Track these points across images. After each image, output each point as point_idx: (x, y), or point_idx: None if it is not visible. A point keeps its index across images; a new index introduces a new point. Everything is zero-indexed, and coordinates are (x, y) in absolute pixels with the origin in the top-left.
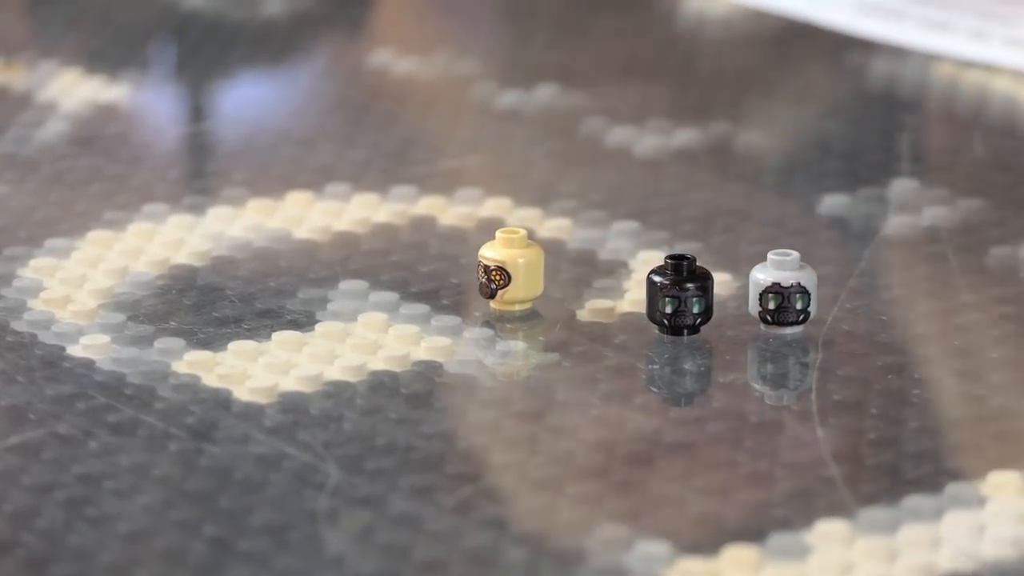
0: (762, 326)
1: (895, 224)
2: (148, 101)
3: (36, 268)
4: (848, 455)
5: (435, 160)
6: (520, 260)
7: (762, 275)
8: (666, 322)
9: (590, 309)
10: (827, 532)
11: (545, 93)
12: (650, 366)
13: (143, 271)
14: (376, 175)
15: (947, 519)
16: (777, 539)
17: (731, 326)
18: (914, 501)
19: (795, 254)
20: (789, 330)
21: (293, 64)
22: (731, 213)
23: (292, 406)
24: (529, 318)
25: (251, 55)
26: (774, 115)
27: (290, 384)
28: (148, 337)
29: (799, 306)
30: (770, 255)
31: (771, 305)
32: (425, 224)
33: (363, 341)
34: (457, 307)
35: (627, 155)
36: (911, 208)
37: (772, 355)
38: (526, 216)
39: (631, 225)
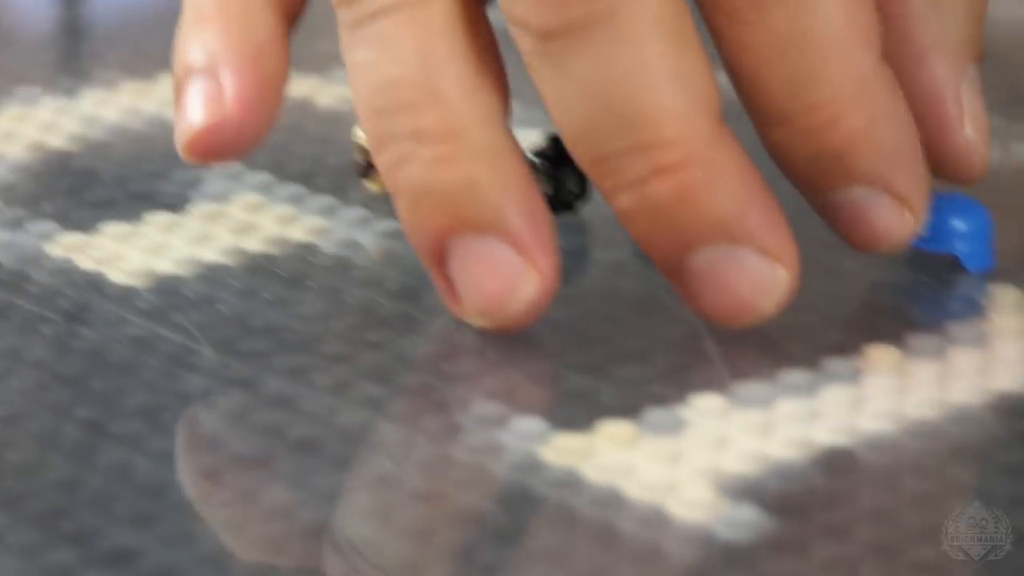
0: None
1: None
2: None
3: None
4: (724, 331)
5: (310, 42)
6: None
7: None
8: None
9: None
10: (703, 407)
11: None
12: None
13: (16, 153)
14: None
15: (823, 393)
16: (652, 414)
17: (604, 203)
18: (791, 376)
19: None
20: None
21: None
22: None
23: (166, 288)
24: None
25: None
26: None
27: (165, 266)
28: (21, 220)
29: None
30: None
31: None
32: (301, 106)
33: (238, 223)
34: (333, 188)
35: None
36: None
37: None
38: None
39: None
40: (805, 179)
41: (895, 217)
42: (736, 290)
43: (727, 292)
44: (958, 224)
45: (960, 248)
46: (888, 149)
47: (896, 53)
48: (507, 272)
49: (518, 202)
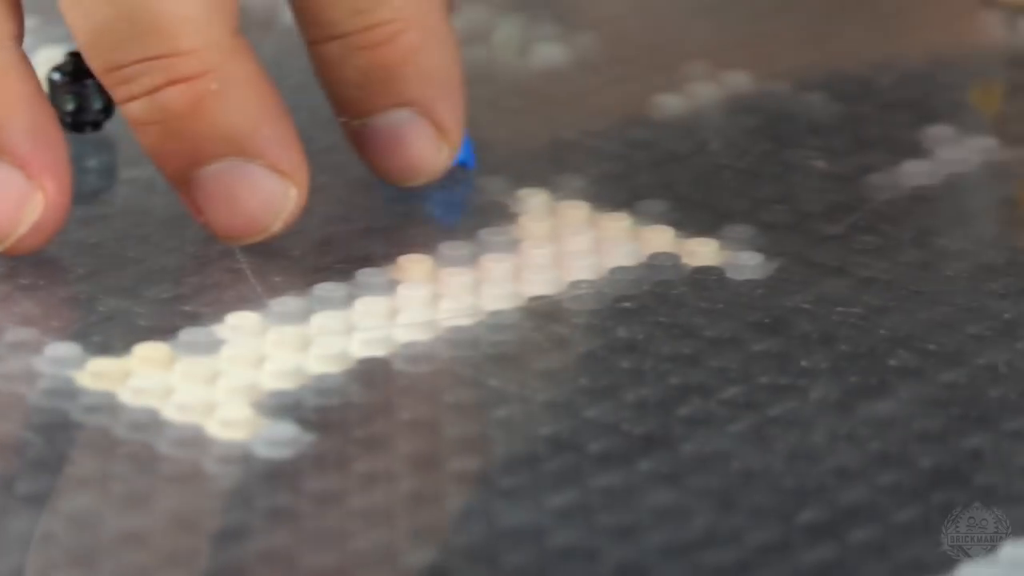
0: None
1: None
2: None
3: None
4: (257, 246)
5: None
6: None
7: None
8: (68, 120)
9: None
10: (238, 324)
11: None
12: None
13: None
14: None
15: (358, 306)
16: (187, 333)
17: None
18: (325, 289)
19: None
20: None
21: None
22: None
23: None
24: None
25: None
26: None
27: None
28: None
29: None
30: None
31: None
32: None
33: None
34: None
35: None
36: None
37: None
38: None
39: (32, 21)
40: (348, 100)
41: (432, 147)
42: (246, 206)
43: (237, 207)
44: None
45: (463, 156)
46: (437, 76)
47: None
48: (12, 194)
49: (22, 122)
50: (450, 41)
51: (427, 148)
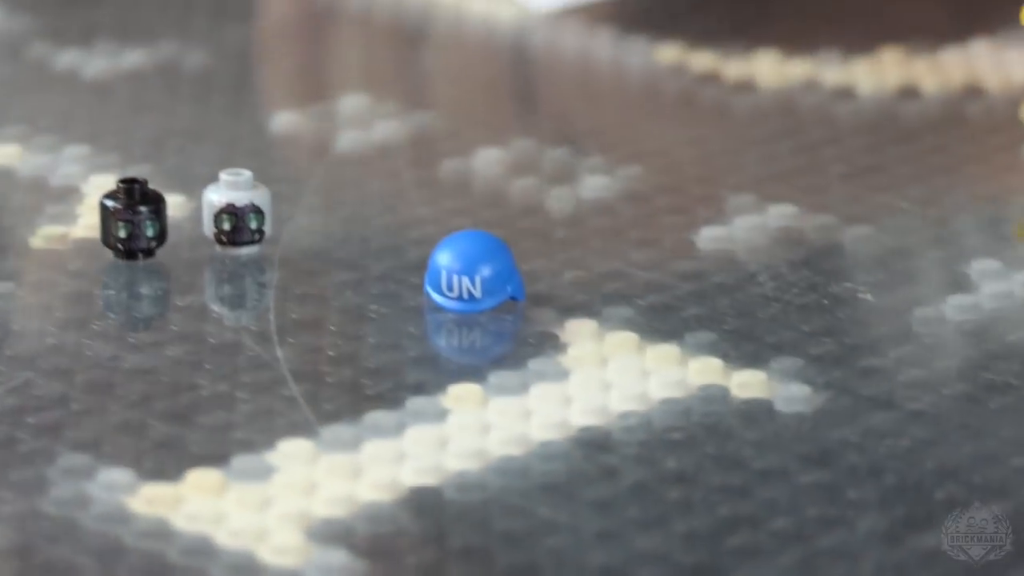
0: (218, 247)
1: (347, 139)
2: None
3: None
4: (309, 373)
5: None
6: None
7: (215, 196)
8: (121, 246)
9: (43, 236)
10: (290, 451)
11: None
12: (106, 291)
13: None
14: None
15: (409, 433)
16: (240, 461)
17: (187, 248)
18: (376, 417)
19: (248, 173)
20: (245, 250)
21: None
22: (183, 134)
23: None
24: None
25: None
26: (221, 34)
27: None
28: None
29: (253, 225)
30: (222, 175)
31: (226, 226)
32: None
33: None
34: None
35: (75, 78)
36: (362, 123)
37: (229, 276)
38: None
39: (82, 149)
40: None
41: None
42: None
43: None
44: (504, 268)
45: (511, 291)
46: None
47: None
48: None
49: None
50: None
51: None
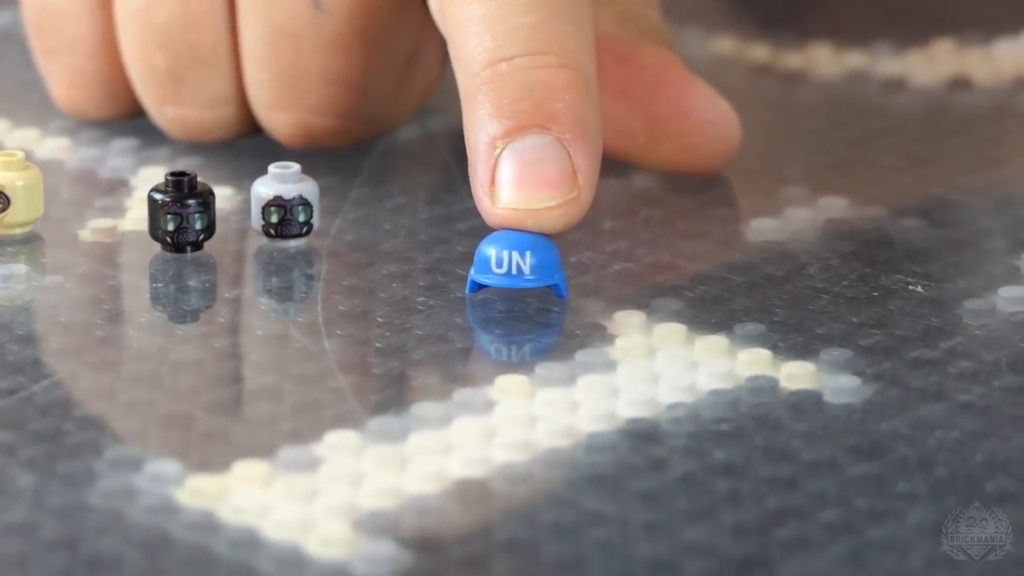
0: (266, 239)
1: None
2: None
3: None
4: (356, 365)
5: None
6: (19, 183)
7: (264, 188)
8: (169, 239)
9: (92, 229)
10: (337, 443)
11: None
12: (154, 284)
13: None
14: None
15: (456, 425)
16: (287, 452)
17: (235, 241)
18: (422, 408)
19: (296, 166)
20: (293, 242)
21: None
22: None
23: None
24: (30, 241)
25: None
26: None
27: None
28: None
29: (302, 218)
30: (271, 168)
31: (274, 218)
32: None
33: None
34: None
35: None
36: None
37: (277, 268)
38: (24, 137)
39: (131, 142)
40: (502, 112)
41: (568, 176)
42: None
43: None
44: (553, 258)
45: (558, 280)
46: (583, 120)
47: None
48: (566, 166)
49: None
50: (597, 96)
51: (563, 173)
